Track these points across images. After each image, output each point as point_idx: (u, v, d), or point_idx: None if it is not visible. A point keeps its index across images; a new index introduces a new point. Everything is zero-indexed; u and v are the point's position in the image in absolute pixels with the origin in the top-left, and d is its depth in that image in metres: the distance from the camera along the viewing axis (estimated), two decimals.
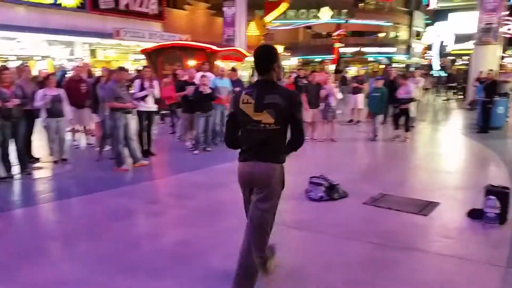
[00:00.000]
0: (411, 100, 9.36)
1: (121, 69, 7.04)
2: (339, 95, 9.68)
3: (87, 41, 18.93)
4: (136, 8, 20.58)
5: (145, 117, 7.77)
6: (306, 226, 4.46)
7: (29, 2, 16.08)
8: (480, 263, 3.58)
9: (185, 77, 8.73)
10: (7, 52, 16.58)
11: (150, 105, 7.79)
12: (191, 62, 13.67)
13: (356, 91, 12.13)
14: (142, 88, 7.59)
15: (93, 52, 20.40)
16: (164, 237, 4.26)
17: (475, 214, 4.51)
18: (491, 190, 4.43)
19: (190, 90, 8.18)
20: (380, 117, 9.78)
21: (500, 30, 16.91)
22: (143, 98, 7.60)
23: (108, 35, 18.85)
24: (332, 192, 5.34)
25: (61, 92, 7.18)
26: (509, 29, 35.91)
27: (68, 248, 4.03)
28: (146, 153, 7.82)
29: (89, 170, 7.01)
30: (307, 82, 10.19)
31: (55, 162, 7.24)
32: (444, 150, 9.08)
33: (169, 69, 13.01)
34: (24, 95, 6.48)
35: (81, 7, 17.94)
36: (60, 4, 17.17)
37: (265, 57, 2.86)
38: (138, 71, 11.88)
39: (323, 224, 4.53)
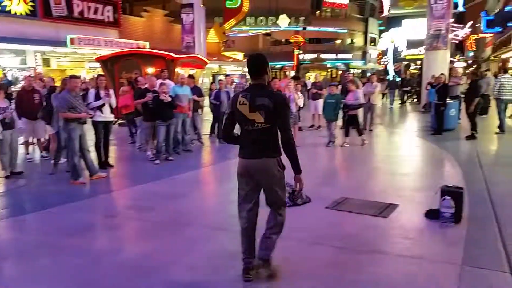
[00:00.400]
0: (360, 106, 9.62)
1: (73, 76, 6.76)
2: (301, 102, 9.80)
3: (40, 49, 18.19)
4: (91, 16, 20.03)
5: (102, 127, 7.53)
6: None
7: None
8: (438, 262, 3.70)
9: (146, 85, 8.56)
10: None
11: (107, 115, 7.55)
12: (150, 70, 13.42)
13: (316, 97, 12.34)
14: (98, 97, 7.35)
15: (46, 61, 19.64)
16: (124, 251, 4.12)
17: (432, 215, 4.66)
18: (446, 191, 4.59)
19: (149, 96, 8.02)
20: (334, 123, 9.74)
21: (449, 36, 17.80)
22: (99, 108, 7.36)
23: (62, 43, 18.21)
24: (295, 198, 5.36)
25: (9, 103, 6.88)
26: (456, 35, 37.88)
27: (24, 266, 3.81)
28: (104, 165, 7.58)
29: (44, 184, 6.69)
30: None
31: (7, 177, 6.86)
32: (401, 153, 9.38)
33: (126, 77, 12.71)
34: None
35: (31, 15, 17.22)
36: (9, 11, 16.41)
37: (259, 64, 3.30)
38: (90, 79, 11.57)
39: (286, 230, 4.50)
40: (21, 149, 8.12)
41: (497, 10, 31.99)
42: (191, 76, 10.00)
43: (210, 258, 3.85)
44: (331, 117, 9.55)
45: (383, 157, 9.05)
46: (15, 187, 6.49)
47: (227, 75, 13.16)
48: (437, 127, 10.96)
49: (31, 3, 17.12)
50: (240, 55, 37.32)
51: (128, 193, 6.29)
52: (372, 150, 9.79)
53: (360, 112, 10.15)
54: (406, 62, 41.04)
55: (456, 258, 3.71)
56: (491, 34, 35.79)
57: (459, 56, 52.12)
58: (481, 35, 40.55)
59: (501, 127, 10.75)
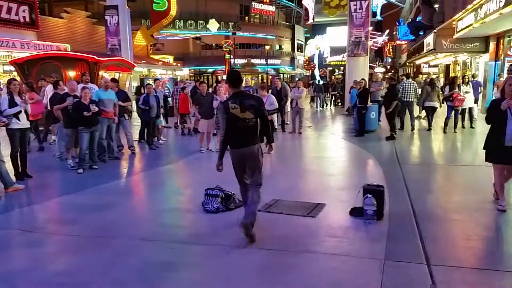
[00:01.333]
0: (275, 111, 9.63)
1: None
2: None
3: None
4: (3, 16, 18.47)
5: (19, 135, 6.97)
6: (202, 240, 4.39)
7: None
8: (363, 258, 3.89)
9: (66, 89, 8.08)
10: None
11: (23, 122, 7.00)
12: (72, 73, 12.71)
13: None
14: (12, 104, 6.78)
15: None
16: (44, 269, 3.82)
17: (356, 213, 4.91)
18: (367, 189, 4.86)
19: (69, 101, 7.58)
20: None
21: (369, 43, 18.95)
22: (15, 115, 6.80)
23: None
24: (228, 202, 5.36)
25: None
26: (375, 43, 40.37)
27: None
28: (22, 176, 7.02)
29: None
30: (199, 93, 10.17)
31: None
32: (328, 154, 9.78)
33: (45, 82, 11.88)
34: None
35: None
36: None
37: (239, 77, 4.42)
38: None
39: (219, 236, 4.51)
40: None
41: (410, 20, 34.67)
42: (114, 80, 9.59)
43: (139, 271, 3.71)
44: None
45: (311, 158, 9.37)
46: None
47: (156, 79, 12.85)
48: (359, 129, 11.59)
49: None
50: (170, 59, 36.69)
51: (49, 206, 5.87)
52: (301, 152, 10.11)
53: (274, 116, 10.28)
54: (331, 68, 42.99)
55: (379, 253, 3.93)
56: (406, 42, 38.69)
57: (379, 62, 55.81)
58: (397, 42, 43.69)
59: (401, 127, 12.12)
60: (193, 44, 46.66)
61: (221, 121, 4.40)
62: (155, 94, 10.29)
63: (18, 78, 11.37)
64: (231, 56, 38.99)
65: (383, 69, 48.15)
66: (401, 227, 4.61)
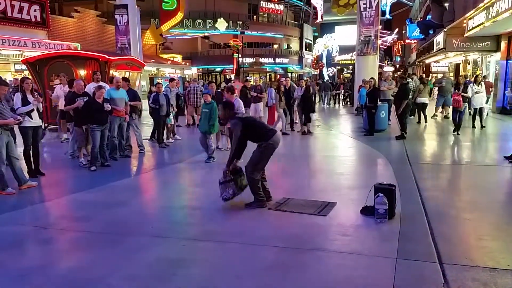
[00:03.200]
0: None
1: (1, 83, 6.26)
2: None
3: None
4: (15, 15, 18.67)
5: (31, 133, 7.05)
6: (212, 237, 4.41)
7: None
8: (374, 256, 3.88)
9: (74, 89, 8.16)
10: None
11: (36, 120, 7.09)
12: (82, 72, 12.82)
13: (256, 100, 12.48)
14: (24, 102, 6.87)
15: None
16: (57, 265, 3.87)
17: (367, 211, 4.90)
18: (379, 188, 4.85)
19: (79, 102, 7.66)
20: (211, 137, 8.41)
21: (378, 42, 18.86)
22: (28, 113, 6.89)
23: None
24: (238, 178, 5.36)
25: None
26: (384, 41, 40.13)
27: None
28: (35, 173, 7.11)
29: None
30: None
31: None
32: (337, 153, 9.76)
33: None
34: None
35: None
36: None
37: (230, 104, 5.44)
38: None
39: (229, 233, 4.53)
40: None
41: (419, 18, 34.42)
42: (125, 79, 9.66)
43: (151, 267, 3.74)
44: (205, 129, 8.26)
45: (321, 157, 9.36)
46: None
47: (172, 79, 12.85)
48: (369, 128, 11.54)
49: None
50: (179, 58, 36.83)
51: (62, 203, 5.94)
52: (311, 151, 10.10)
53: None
54: (339, 67, 42.83)
55: (391, 252, 3.92)
56: (415, 41, 38.42)
57: (388, 61, 55.46)
58: (407, 41, 43.40)
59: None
60: (201, 43, 46.79)
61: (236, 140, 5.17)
62: (164, 93, 10.35)
63: (30, 77, 11.49)
64: (239, 55, 39.00)
65: (392, 68, 47.84)
66: (412, 226, 4.60)
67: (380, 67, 32.01)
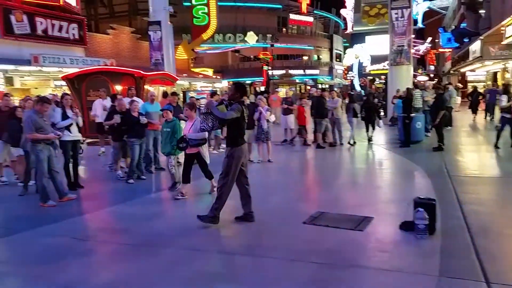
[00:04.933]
0: (202, 142, 6.65)
1: (44, 100, 6.54)
2: (272, 117, 9.87)
3: (1, 68, 17.56)
4: (55, 33, 19.54)
5: (71, 147, 7.31)
6: (248, 251, 4.40)
7: None
8: (416, 274, 3.75)
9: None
10: None
11: (75, 134, 7.35)
12: (119, 87, 13.23)
13: (287, 112, 12.47)
14: (64, 117, 7.15)
15: (9, 80, 18.95)
16: (97, 277, 3.95)
17: (406, 227, 4.75)
18: (419, 202, 4.70)
19: (116, 119, 7.88)
20: (173, 158, 7.19)
21: (412, 51, 18.54)
22: (67, 127, 7.15)
23: (26, 61, 17.65)
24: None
25: None
26: (417, 51, 39.39)
27: None
28: (74, 186, 7.34)
29: (11, 208, 6.41)
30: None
31: None
32: (371, 165, 9.58)
33: (94, 95, 12.47)
34: None
35: None
36: None
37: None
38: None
39: (264, 247, 4.50)
40: None
41: (453, 27, 33.62)
42: (174, 94, 9.85)
43: (189, 281, 3.76)
44: (168, 150, 7.07)
45: (354, 170, 9.20)
46: None
47: (214, 93, 13.06)
48: (404, 139, 11.27)
49: None
50: (210, 72, 37.41)
51: (100, 215, 6.09)
52: (343, 164, 9.95)
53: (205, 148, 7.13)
54: (371, 77, 42.26)
55: (433, 269, 3.78)
56: (450, 49, 37.49)
57: (421, 70, 54.33)
58: (441, 50, 42.41)
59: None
60: (232, 57, 47.37)
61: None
62: (198, 106, 10.50)
63: (69, 93, 11.95)
64: (269, 68, 39.20)
65: (426, 78, 46.78)
66: (455, 242, 4.42)
67: (414, 76, 31.40)
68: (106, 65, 19.21)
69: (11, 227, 5.42)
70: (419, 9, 32.39)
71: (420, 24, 34.27)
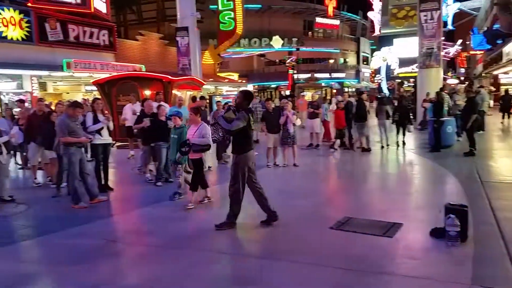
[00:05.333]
0: (206, 147, 6.36)
1: (77, 105, 6.75)
2: (298, 121, 9.84)
3: (36, 74, 18.23)
4: (86, 40, 20.16)
5: (101, 150, 7.51)
6: (274, 255, 4.38)
7: None
8: (447, 282, 3.65)
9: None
10: None
11: (105, 138, 7.54)
12: (147, 92, 13.48)
13: (313, 116, 12.40)
14: (95, 121, 7.35)
15: (42, 85, 19.67)
16: (125, 277, 4.04)
17: (437, 233, 4.63)
18: (450, 209, 4.57)
19: (146, 122, 8.03)
20: (181, 167, 6.71)
21: (441, 53, 18.10)
22: (98, 131, 7.35)
23: (58, 67, 18.27)
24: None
25: None
26: (447, 53, 38.45)
27: None
28: (104, 188, 7.52)
29: (44, 209, 6.62)
30: (265, 109, 10.31)
31: (7, 201, 6.84)
32: (400, 170, 9.39)
33: (124, 100, 12.78)
34: None
35: (27, 40, 17.31)
36: (5, 37, 16.50)
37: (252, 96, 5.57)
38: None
39: (291, 251, 4.47)
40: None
41: (485, 28, 32.65)
42: (203, 98, 10.00)
43: (215, 282, 3.78)
44: (174, 157, 6.65)
45: (382, 175, 9.04)
46: (14, 212, 6.40)
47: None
48: (434, 144, 11.00)
49: (27, 29, 17.24)
50: (235, 76, 37.67)
51: (129, 217, 6.22)
52: (371, 168, 9.79)
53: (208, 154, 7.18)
54: (399, 80, 41.57)
55: (465, 278, 3.67)
56: (481, 52, 36.42)
57: (451, 73, 53.00)
58: (472, 52, 41.26)
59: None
60: (257, 61, 47.56)
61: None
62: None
63: (99, 97, 12.27)
64: (295, 71, 39.12)
65: (456, 81, 45.61)
66: (488, 249, 4.29)
67: (444, 79, 30.67)
68: (135, 70, 19.65)
69: (43, 227, 5.60)
70: (449, 11, 31.67)
71: (450, 26, 33.49)
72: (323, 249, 4.51)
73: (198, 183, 6.44)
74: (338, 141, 12.13)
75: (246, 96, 5.39)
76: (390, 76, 41.33)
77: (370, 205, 6.38)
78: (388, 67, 41.00)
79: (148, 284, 3.83)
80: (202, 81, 18.32)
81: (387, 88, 37.82)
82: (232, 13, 26.39)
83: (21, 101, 10.52)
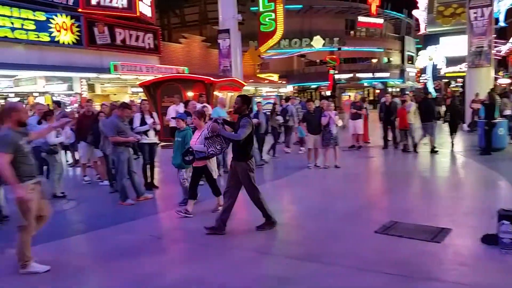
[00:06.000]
0: (210, 155, 5.75)
1: (125, 106, 7.01)
2: (340, 122, 9.70)
3: (85, 76, 19.11)
4: (132, 43, 20.88)
5: (148, 149, 7.75)
6: (316, 258, 4.34)
7: (27, 40, 16.27)
8: None
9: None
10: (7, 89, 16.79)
11: (151, 138, 7.78)
12: (190, 94, 13.78)
13: (355, 116, 12.19)
14: (143, 121, 7.61)
15: (91, 87, 20.56)
16: (170, 273, 4.13)
17: (489, 240, 4.41)
18: (503, 215, 4.35)
19: (189, 121, 8.18)
20: (184, 172, 6.63)
21: (492, 52, 17.23)
22: (145, 132, 7.60)
23: (106, 70, 19.05)
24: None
25: None
26: (498, 51, 36.64)
27: None
28: (150, 186, 7.76)
29: (93, 206, 6.92)
30: (306, 110, 10.25)
31: (59, 197, 7.21)
32: (448, 173, 9.03)
33: (168, 101, 13.10)
34: None
35: (77, 43, 18.17)
36: (58, 41, 17.40)
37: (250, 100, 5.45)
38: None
39: (333, 254, 4.42)
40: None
41: None
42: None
43: (258, 281, 3.80)
44: (177, 162, 6.39)
45: (429, 178, 8.73)
46: (64, 208, 6.73)
47: (289, 98, 13.80)
48: (485, 146, 10.50)
49: (77, 33, 18.11)
50: (275, 77, 37.69)
51: (174, 214, 6.33)
52: (418, 171, 9.49)
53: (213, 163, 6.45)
54: (446, 80, 40.04)
55: None
56: None
57: (503, 72, 50.30)
58: None
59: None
60: (297, 61, 47.34)
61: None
62: (264, 111, 10.65)
63: (146, 99, 12.68)
64: (336, 71, 38.59)
65: (508, 80, 43.27)
66: None
67: (495, 79, 29.21)
68: (179, 72, 20.11)
69: (92, 223, 5.85)
70: (501, 7, 30.05)
71: (502, 23, 31.80)
72: (367, 253, 4.41)
73: (217, 188, 6.29)
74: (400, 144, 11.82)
75: (245, 100, 5.33)
76: (436, 76, 39.86)
77: (417, 209, 6.17)
78: (434, 67, 39.54)
79: (191, 281, 3.91)
80: (243, 82, 18.48)
81: (433, 88, 36.48)
82: (273, 14, 26.43)
83: (58, 103, 11.12)
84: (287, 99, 13.84)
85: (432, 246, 4.51)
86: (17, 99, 16.48)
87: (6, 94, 16.92)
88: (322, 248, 4.64)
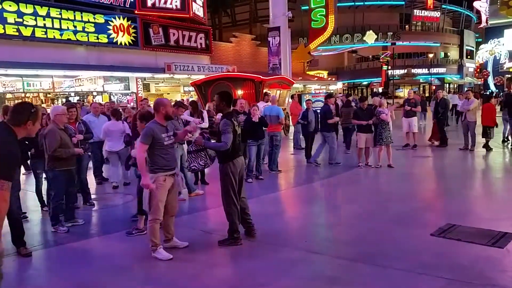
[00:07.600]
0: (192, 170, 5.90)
1: (179, 105, 7.21)
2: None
3: (141, 75, 19.88)
4: (185, 43, 21.42)
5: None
6: (368, 259, 4.23)
7: (88, 42, 17.20)
8: None
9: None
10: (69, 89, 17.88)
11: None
12: (240, 92, 13.93)
13: (410, 114, 11.75)
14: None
15: (146, 86, 21.37)
16: (219, 270, 4.21)
17: None
18: None
19: (241, 118, 8.28)
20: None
21: None
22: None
23: (160, 70, 19.71)
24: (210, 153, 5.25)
25: None
26: None
27: (124, 281, 4.07)
28: (200, 182, 7.95)
29: None
30: (357, 107, 10.03)
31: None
32: (511, 174, 8.47)
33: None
34: (88, 129, 6.78)
35: (133, 44, 18.93)
36: (116, 42, 18.23)
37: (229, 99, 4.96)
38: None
39: (386, 256, 4.28)
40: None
41: None
42: (266, 94, 10.24)
43: (310, 282, 3.77)
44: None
45: (489, 179, 8.24)
46: (121, 202, 7.05)
47: (329, 95, 13.72)
48: None
49: (133, 34, 18.87)
50: (324, 74, 37.22)
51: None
52: (476, 172, 8.99)
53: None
54: (509, 75, 37.59)
55: None
56: None
57: None
58: None
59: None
60: (348, 58, 46.43)
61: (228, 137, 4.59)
62: (313, 109, 10.50)
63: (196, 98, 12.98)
64: (389, 67, 37.40)
65: None
66: None
67: None
68: (229, 71, 20.39)
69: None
70: None
71: None
72: (422, 256, 4.24)
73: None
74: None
75: (222, 97, 4.85)
76: (498, 71, 37.50)
77: (476, 212, 5.85)
78: (496, 61, 37.23)
79: (241, 277, 3.96)
80: (292, 80, 18.39)
81: (494, 84, 34.37)
82: (324, 9, 26.09)
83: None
84: (348, 95, 13.77)
85: (493, 251, 4.25)
86: (77, 98, 17.50)
87: (68, 93, 18.02)
88: (375, 249, 4.51)
